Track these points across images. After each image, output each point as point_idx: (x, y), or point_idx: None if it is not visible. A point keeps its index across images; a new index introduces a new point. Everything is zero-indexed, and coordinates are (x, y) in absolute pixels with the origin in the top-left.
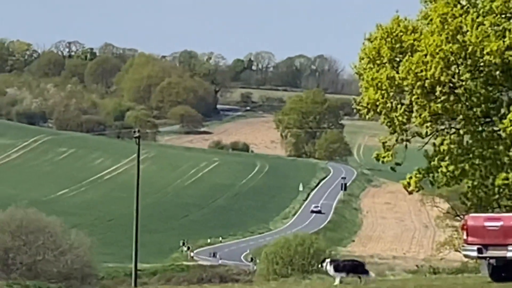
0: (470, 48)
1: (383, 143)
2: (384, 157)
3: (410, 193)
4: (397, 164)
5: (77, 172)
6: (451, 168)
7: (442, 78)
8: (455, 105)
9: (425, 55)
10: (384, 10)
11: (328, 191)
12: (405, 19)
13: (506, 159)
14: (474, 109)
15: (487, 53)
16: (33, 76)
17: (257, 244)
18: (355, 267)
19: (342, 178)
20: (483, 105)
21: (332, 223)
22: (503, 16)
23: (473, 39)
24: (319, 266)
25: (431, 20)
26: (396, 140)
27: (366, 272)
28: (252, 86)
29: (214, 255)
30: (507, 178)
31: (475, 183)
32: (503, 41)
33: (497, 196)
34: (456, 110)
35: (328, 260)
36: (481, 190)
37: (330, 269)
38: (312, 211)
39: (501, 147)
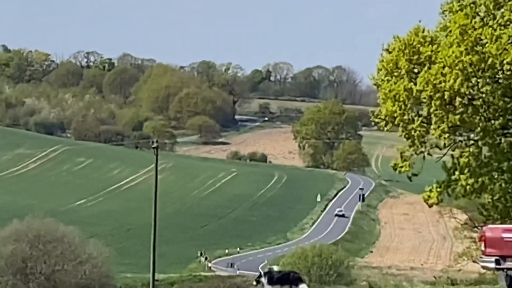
0: (489, 60)
1: (401, 153)
2: (401, 167)
3: (431, 206)
4: (414, 174)
5: (95, 182)
6: (470, 181)
7: (461, 90)
8: (473, 117)
9: (444, 67)
10: (403, 21)
11: (346, 202)
12: (423, 30)
13: None
14: (492, 121)
15: (507, 63)
16: (52, 86)
17: (274, 255)
18: (287, 279)
19: (360, 189)
20: (501, 117)
21: (350, 233)
22: None
23: (494, 50)
24: (256, 281)
25: (450, 31)
26: (415, 152)
27: (299, 283)
28: (270, 97)
29: (232, 266)
30: None
31: (495, 196)
32: None
33: None
34: (474, 121)
35: (263, 272)
36: (500, 203)
37: (264, 281)
38: (337, 215)
39: None
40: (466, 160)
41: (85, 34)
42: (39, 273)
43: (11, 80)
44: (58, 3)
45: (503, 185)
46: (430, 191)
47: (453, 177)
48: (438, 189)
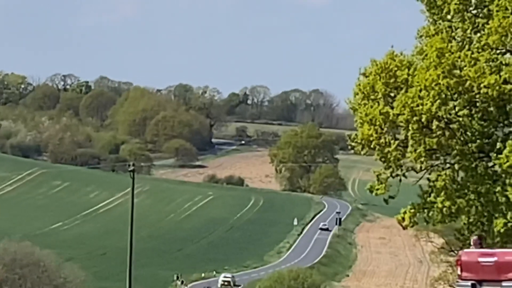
0: (467, 83)
1: (377, 175)
2: (377, 189)
3: (405, 228)
4: (391, 197)
5: (71, 205)
6: (447, 204)
7: (439, 113)
8: (450, 140)
9: (421, 90)
10: (380, 46)
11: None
12: (400, 54)
13: (503, 198)
14: (469, 144)
15: (485, 86)
16: (28, 109)
17: (250, 278)
18: None
19: (336, 212)
20: (478, 141)
21: (327, 257)
22: (499, 51)
23: (471, 74)
24: None
25: (426, 55)
26: (391, 175)
27: None
28: (247, 120)
29: None
30: (506, 224)
31: (471, 219)
32: (500, 75)
33: (498, 239)
34: (451, 145)
35: None
36: (477, 228)
37: None
38: (321, 229)
39: (498, 188)
40: (442, 183)
41: (62, 57)
42: None
43: None
44: (35, 26)
45: (480, 208)
46: (404, 213)
47: (428, 199)
48: (412, 211)
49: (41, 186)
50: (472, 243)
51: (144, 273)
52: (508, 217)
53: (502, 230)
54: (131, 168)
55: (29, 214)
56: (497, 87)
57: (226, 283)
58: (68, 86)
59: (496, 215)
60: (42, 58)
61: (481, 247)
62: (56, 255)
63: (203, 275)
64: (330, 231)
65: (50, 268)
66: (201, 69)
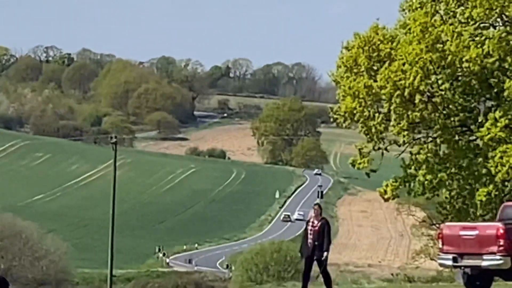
0: (449, 57)
1: (360, 149)
2: (360, 164)
3: (386, 200)
4: (373, 171)
5: (53, 177)
6: (428, 177)
7: (421, 87)
8: (432, 114)
9: (404, 64)
10: (363, 19)
11: (304, 199)
12: (383, 28)
13: (484, 170)
14: (452, 118)
15: (467, 61)
16: (10, 81)
17: (232, 251)
18: None
19: (318, 186)
20: (460, 114)
21: None
22: (483, 25)
23: (453, 48)
24: None
25: (409, 29)
26: (373, 148)
27: None
28: (229, 93)
29: (190, 262)
30: (489, 193)
31: (453, 193)
32: (482, 49)
33: (480, 211)
34: (433, 119)
35: None
36: (459, 201)
37: None
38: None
39: (480, 159)
40: (424, 156)
41: (44, 28)
42: None
43: None
44: None
45: (461, 181)
46: (387, 186)
47: (409, 171)
48: (394, 184)
49: (23, 158)
50: (313, 213)
51: (126, 245)
52: (490, 187)
53: (484, 199)
54: (113, 140)
55: (11, 185)
56: (479, 61)
57: (286, 217)
58: (50, 58)
59: (478, 186)
60: (24, 30)
61: (320, 216)
62: (37, 227)
63: (184, 247)
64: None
65: (31, 239)
66: (184, 42)
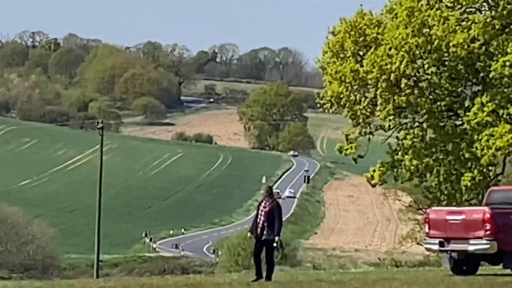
0: (436, 42)
1: (346, 135)
2: (347, 150)
3: (374, 186)
4: (360, 156)
5: (39, 162)
6: (414, 162)
7: (407, 72)
8: (419, 99)
9: (390, 48)
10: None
11: (291, 184)
12: (370, 13)
13: (468, 155)
14: (438, 103)
15: (453, 45)
16: None
17: (219, 236)
18: None
19: (305, 170)
20: (447, 99)
21: (295, 215)
22: (469, 9)
23: (439, 32)
24: None
25: (396, 14)
26: (360, 133)
27: None
28: (216, 78)
29: (177, 247)
30: (473, 178)
31: (441, 179)
32: (469, 34)
33: (466, 196)
34: (419, 103)
35: None
36: (444, 185)
37: None
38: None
39: (463, 144)
40: (410, 141)
41: (31, 14)
42: None
43: None
44: None
45: (448, 166)
46: (374, 171)
47: (396, 157)
48: (381, 169)
49: (10, 143)
50: (263, 196)
51: (113, 230)
52: (475, 172)
53: (469, 184)
54: (100, 125)
55: None
56: (466, 46)
57: (276, 194)
58: (37, 43)
59: (463, 171)
60: (11, 15)
61: (271, 198)
62: (24, 212)
63: (171, 232)
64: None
65: (18, 225)
66: (170, 27)
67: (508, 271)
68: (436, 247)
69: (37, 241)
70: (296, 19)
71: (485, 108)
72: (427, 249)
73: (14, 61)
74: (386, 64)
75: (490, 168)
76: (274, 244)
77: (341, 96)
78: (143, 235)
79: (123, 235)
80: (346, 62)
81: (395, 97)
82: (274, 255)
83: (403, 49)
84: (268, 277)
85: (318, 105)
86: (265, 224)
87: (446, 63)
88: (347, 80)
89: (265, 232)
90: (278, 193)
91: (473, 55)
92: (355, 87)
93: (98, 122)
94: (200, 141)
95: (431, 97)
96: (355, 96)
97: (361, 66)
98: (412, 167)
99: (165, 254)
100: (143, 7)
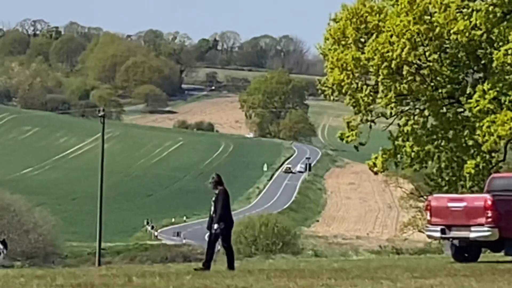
0: (437, 29)
1: (348, 122)
2: (348, 137)
3: (376, 173)
4: (361, 144)
5: (41, 150)
6: (416, 149)
7: (409, 59)
8: (420, 86)
9: (392, 36)
10: None
11: (292, 171)
12: (371, 0)
13: (471, 142)
14: (439, 90)
15: (454, 33)
16: None
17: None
18: None
19: (306, 158)
20: (448, 86)
21: (297, 203)
22: None
23: (441, 20)
24: None
25: (397, 1)
26: (361, 120)
27: None
28: (217, 66)
29: (178, 235)
30: (477, 165)
31: (442, 165)
32: (470, 21)
33: (470, 183)
34: (421, 91)
35: None
36: (445, 172)
37: None
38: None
39: (466, 131)
40: (411, 128)
41: (32, 2)
42: None
43: None
44: None
45: (449, 153)
46: (376, 158)
47: (396, 143)
48: (384, 156)
49: (11, 131)
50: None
51: (115, 218)
52: (478, 159)
53: (472, 172)
54: (101, 113)
55: None
56: (467, 33)
57: (288, 169)
58: (38, 32)
59: (466, 158)
60: (12, 3)
61: (218, 186)
62: (26, 200)
63: (173, 220)
64: (294, 173)
65: (20, 212)
66: (171, 15)
67: (509, 258)
68: (438, 234)
69: (39, 229)
70: (298, 6)
71: (487, 96)
72: (429, 236)
73: (15, 50)
74: (387, 52)
75: (492, 155)
76: (213, 231)
77: (343, 83)
78: (145, 223)
79: (124, 223)
80: (348, 49)
81: (397, 85)
82: (217, 243)
83: (404, 37)
84: (230, 266)
85: (320, 92)
86: (212, 213)
87: (448, 50)
88: (349, 68)
89: (213, 221)
90: (289, 167)
91: (474, 42)
92: (356, 74)
93: (99, 110)
94: (202, 129)
95: (432, 84)
96: (357, 83)
97: (363, 53)
98: (413, 154)
99: (166, 242)
100: None
